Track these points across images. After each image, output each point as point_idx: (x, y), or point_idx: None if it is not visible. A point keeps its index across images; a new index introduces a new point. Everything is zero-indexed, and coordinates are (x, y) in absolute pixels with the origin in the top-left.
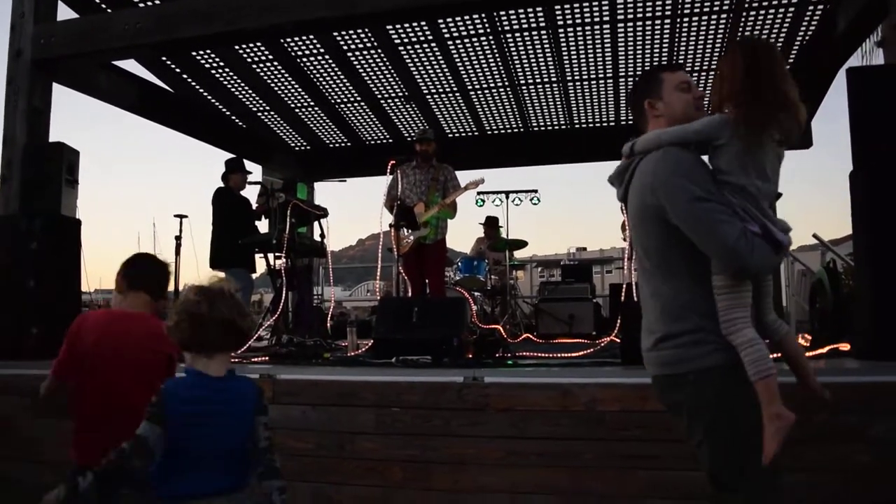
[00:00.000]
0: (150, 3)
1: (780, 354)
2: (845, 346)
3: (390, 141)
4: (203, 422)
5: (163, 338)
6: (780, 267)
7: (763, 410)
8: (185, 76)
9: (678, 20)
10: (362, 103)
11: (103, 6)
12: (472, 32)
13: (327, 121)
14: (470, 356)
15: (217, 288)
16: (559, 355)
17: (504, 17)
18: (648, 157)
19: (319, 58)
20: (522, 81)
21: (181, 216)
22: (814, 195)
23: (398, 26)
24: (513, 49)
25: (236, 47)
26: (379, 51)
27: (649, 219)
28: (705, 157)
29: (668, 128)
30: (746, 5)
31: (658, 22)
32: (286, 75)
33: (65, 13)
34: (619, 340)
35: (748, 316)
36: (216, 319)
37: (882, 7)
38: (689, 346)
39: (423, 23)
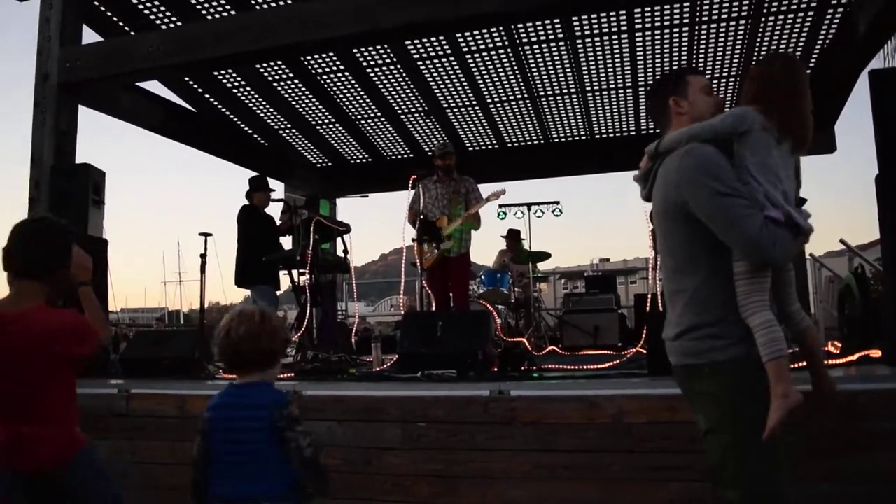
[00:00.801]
0: (172, 25)
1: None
2: (876, 353)
3: (411, 155)
4: (221, 426)
5: (56, 337)
6: (806, 268)
7: (772, 388)
8: (207, 96)
9: (696, 27)
10: (382, 119)
11: (126, 29)
12: (491, 46)
13: (348, 137)
14: (495, 370)
15: (238, 312)
16: (585, 367)
17: (522, 30)
18: (673, 154)
19: (339, 75)
20: (542, 93)
21: (206, 234)
22: (840, 200)
23: (418, 42)
24: (531, 61)
25: (257, 66)
26: (398, 66)
27: (674, 215)
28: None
29: (695, 124)
30: (765, 10)
31: (676, 30)
32: (307, 93)
33: (89, 37)
34: (644, 351)
35: (766, 300)
36: (231, 341)
37: None
38: (708, 338)
39: (441, 38)
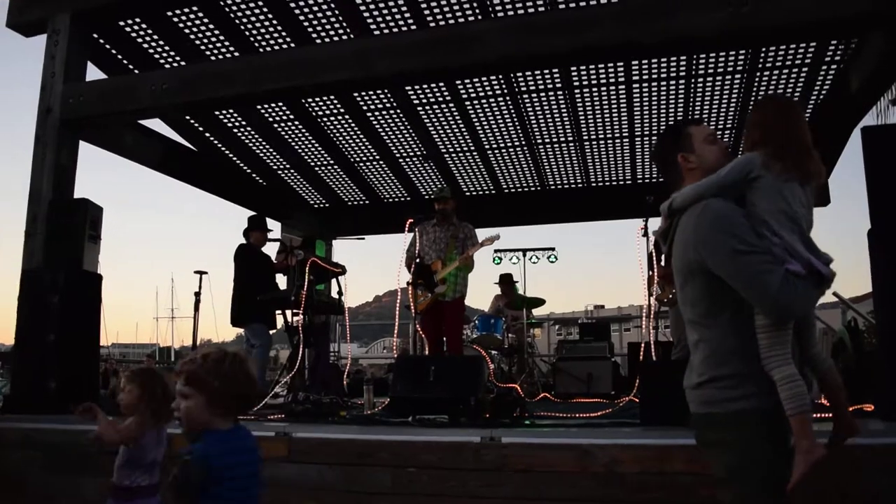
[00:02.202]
0: (175, 65)
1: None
2: (869, 407)
3: (408, 199)
4: (249, 471)
5: None
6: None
7: (796, 443)
8: (207, 135)
9: (693, 80)
10: (381, 162)
11: (130, 66)
12: (490, 93)
13: (346, 179)
14: (487, 415)
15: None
16: (578, 415)
17: (521, 78)
18: (689, 212)
19: (339, 117)
20: (539, 141)
21: (201, 272)
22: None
23: (417, 87)
24: (529, 109)
25: (258, 107)
26: (398, 111)
27: (693, 273)
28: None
29: (702, 180)
30: (760, 65)
31: (673, 82)
32: (306, 134)
33: (93, 74)
34: (637, 400)
35: (788, 353)
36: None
37: (895, 65)
38: (728, 388)
39: (440, 84)
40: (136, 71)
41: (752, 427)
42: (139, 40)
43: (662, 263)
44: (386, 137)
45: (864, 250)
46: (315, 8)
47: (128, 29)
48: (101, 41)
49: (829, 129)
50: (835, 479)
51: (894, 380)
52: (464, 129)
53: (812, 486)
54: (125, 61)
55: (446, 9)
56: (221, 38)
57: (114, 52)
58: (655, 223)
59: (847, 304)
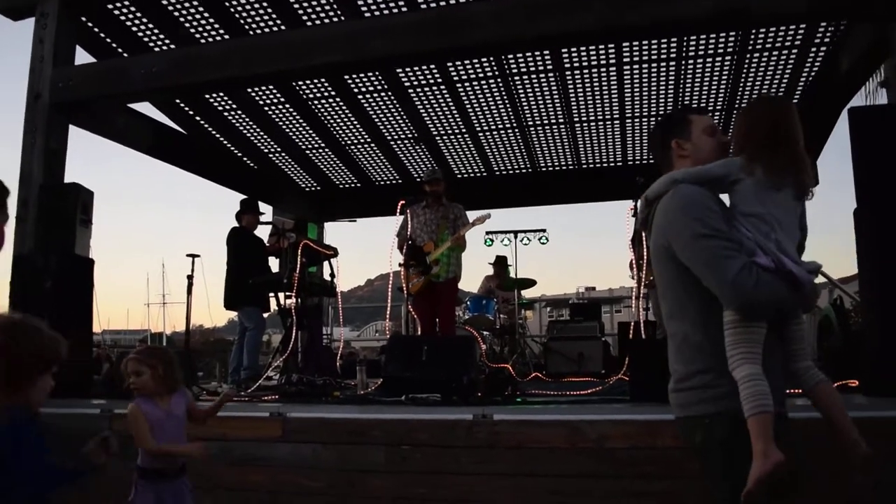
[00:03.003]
0: (165, 48)
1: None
2: (854, 383)
3: (400, 181)
4: None
5: None
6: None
7: (753, 447)
8: (198, 118)
9: (683, 62)
10: (372, 145)
11: (120, 50)
12: (481, 75)
13: (338, 162)
14: (479, 394)
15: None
16: (568, 393)
17: (512, 61)
18: (663, 198)
19: (330, 100)
20: (530, 123)
21: (193, 255)
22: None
23: (408, 69)
24: (521, 91)
25: (249, 90)
26: (389, 93)
27: (662, 259)
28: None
29: (681, 169)
30: (750, 47)
31: (664, 64)
32: (297, 117)
33: (82, 58)
34: (627, 378)
35: (753, 352)
36: None
37: (884, 47)
38: (700, 389)
39: (432, 66)
40: (126, 55)
41: (723, 430)
42: (128, 24)
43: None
44: (377, 120)
45: (852, 229)
46: None
47: (116, 12)
48: (90, 25)
49: (818, 111)
50: (813, 447)
51: (878, 357)
52: (455, 112)
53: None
54: (114, 45)
55: None
56: (212, 20)
57: (103, 35)
58: None
59: (833, 282)
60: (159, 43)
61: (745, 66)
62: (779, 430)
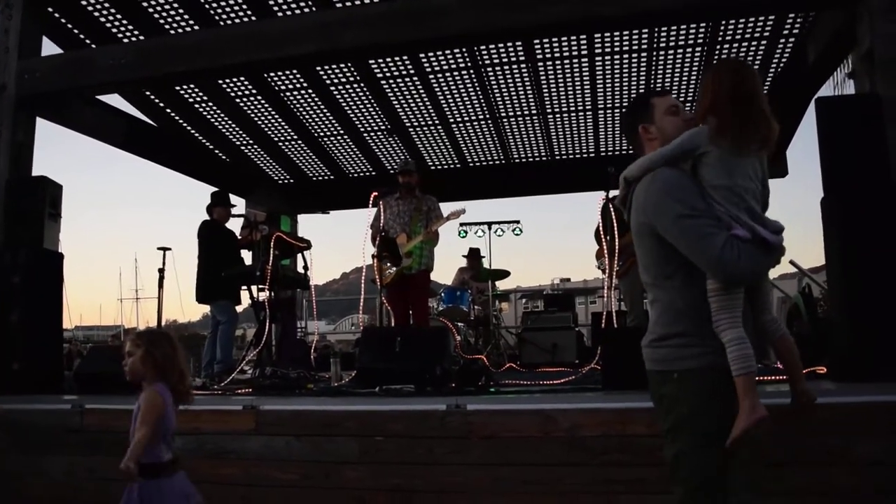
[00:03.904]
0: (133, 39)
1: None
2: (822, 370)
3: (373, 173)
4: None
5: None
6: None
7: (740, 402)
8: (169, 111)
9: (655, 53)
10: (345, 136)
11: (87, 41)
12: (454, 66)
13: (310, 154)
14: (453, 385)
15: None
16: (541, 383)
17: (485, 51)
18: (643, 180)
19: (303, 92)
20: (503, 114)
21: (165, 249)
22: (791, 223)
23: (381, 61)
24: (493, 82)
25: (220, 82)
26: (362, 85)
27: (644, 236)
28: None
29: (653, 152)
30: (720, 38)
31: (635, 55)
32: (270, 109)
33: (49, 49)
34: (599, 368)
35: (737, 317)
36: None
37: (850, 37)
38: (678, 347)
39: (404, 57)
40: (94, 46)
41: (701, 384)
42: (96, 14)
43: (616, 236)
44: (350, 112)
45: (820, 220)
46: None
47: (84, 2)
48: (57, 15)
49: (787, 102)
50: (789, 436)
51: (845, 344)
52: (428, 103)
53: (768, 443)
54: (82, 36)
55: None
56: (181, 11)
57: (70, 26)
58: (616, 195)
59: (803, 271)
60: (128, 34)
61: (716, 56)
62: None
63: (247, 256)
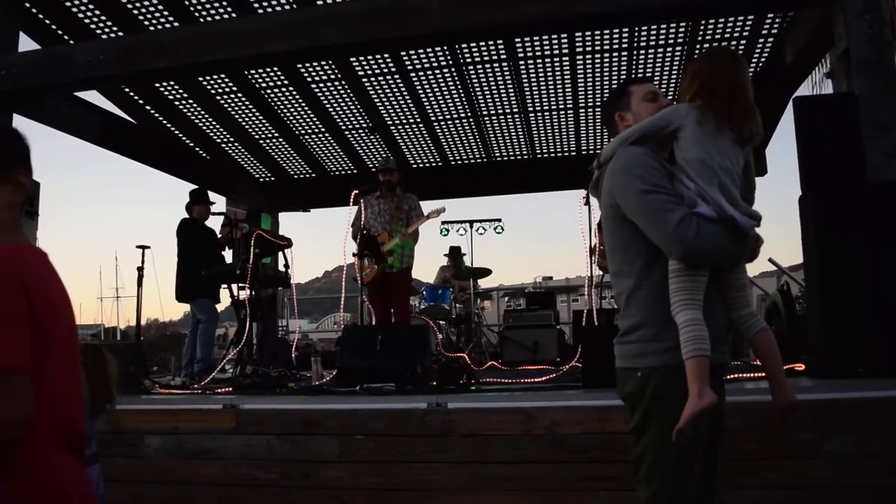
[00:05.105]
0: (112, 35)
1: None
2: (800, 367)
3: (354, 172)
4: None
5: None
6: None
7: (689, 387)
8: (148, 108)
9: (635, 52)
10: (326, 134)
11: (66, 37)
12: (435, 64)
13: (291, 152)
14: (434, 383)
15: None
16: (522, 381)
17: (466, 50)
18: (611, 162)
19: (283, 89)
20: (485, 112)
21: (143, 247)
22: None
23: (362, 58)
24: (475, 81)
25: (200, 79)
26: (343, 82)
27: (610, 218)
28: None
29: (625, 130)
30: (700, 39)
31: (616, 54)
32: (250, 107)
33: (26, 44)
34: (580, 365)
35: (695, 299)
36: None
37: (827, 38)
38: (642, 342)
39: (385, 55)
40: (72, 42)
41: (663, 380)
42: (74, 9)
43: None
44: (331, 109)
45: (798, 218)
46: None
47: None
48: (34, 10)
49: (765, 101)
50: (764, 430)
51: (822, 341)
52: (409, 101)
53: (745, 438)
54: (60, 31)
55: None
56: (160, 7)
57: (47, 21)
58: None
59: (782, 269)
60: (106, 30)
61: (696, 56)
62: (713, 382)
63: (227, 255)
